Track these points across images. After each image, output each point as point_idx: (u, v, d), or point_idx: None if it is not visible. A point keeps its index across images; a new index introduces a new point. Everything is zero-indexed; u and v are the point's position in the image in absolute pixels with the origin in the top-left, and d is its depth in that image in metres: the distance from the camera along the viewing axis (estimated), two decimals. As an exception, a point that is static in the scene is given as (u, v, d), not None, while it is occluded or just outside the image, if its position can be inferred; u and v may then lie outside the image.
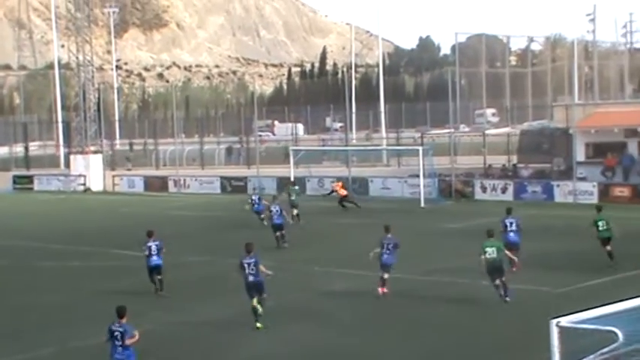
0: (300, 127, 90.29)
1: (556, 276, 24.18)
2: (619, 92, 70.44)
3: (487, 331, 18.91)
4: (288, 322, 20.03)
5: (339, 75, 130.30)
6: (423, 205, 42.43)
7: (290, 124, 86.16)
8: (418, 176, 44.41)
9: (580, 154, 43.51)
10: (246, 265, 19.27)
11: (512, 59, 67.72)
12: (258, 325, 19.15)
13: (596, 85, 65.94)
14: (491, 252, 20.92)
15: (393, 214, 39.80)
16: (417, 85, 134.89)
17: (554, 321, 10.93)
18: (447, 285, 23.70)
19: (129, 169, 65.10)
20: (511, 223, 24.38)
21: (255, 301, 19.19)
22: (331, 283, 24.36)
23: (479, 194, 43.94)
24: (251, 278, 19.18)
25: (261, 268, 19.11)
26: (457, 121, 53.54)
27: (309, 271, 26.29)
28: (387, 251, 22.29)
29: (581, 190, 41.36)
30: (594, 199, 40.35)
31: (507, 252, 22.13)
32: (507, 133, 51.13)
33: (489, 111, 75.45)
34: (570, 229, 32.94)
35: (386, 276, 22.21)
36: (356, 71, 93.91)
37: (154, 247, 22.93)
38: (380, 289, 22.19)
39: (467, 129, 62.60)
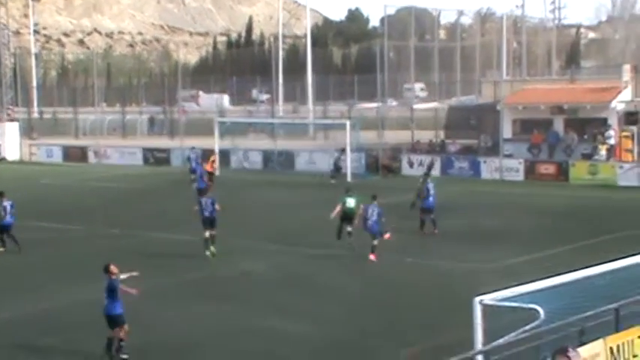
0: (226, 98, 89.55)
1: (484, 252, 24.64)
2: (546, 69, 71.71)
3: (411, 308, 19.11)
4: (205, 302, 19.90)
5: (266, 45, 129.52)
6: (349, 179, 42.60)
7: (215, 95, 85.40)
8: (345, 150, 44.56)
9: (507, 131, 44.21)
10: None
11: (442, 33, 68.13)
12: None
13: (524, 61, 66.96)
14: (351, 202, 25.16)
15: (318, 188, 39.93)
16: (346, 58, 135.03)
17: (478, 299, 11.09)
18: (368, 263, 23.90)
19: (34, 138, 63.65)
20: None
21: None
22: (252, 260, 24.30)
23: (406, 169, 44.34)
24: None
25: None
26: (385, 95, 53.72)
27: (231, 246, 26.16)
28: (373, 218, 23.68)
29: (507, 166, 42.09)
30: (520, 176, 41.16)
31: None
32: (435, 108, 51.53)
33: (418, 85, 75.83)
34: (497, 206, 33.60)
35: (375, 242, 23.56)
36: (283, 42, 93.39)
37: (8, 207, 24.62)
38: (371, 256, 23.57)
39: (395, 103, 62.84)
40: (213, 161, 42.73)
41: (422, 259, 23.92)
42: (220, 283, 21.70)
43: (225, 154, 46.91)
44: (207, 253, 24.32)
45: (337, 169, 42.26)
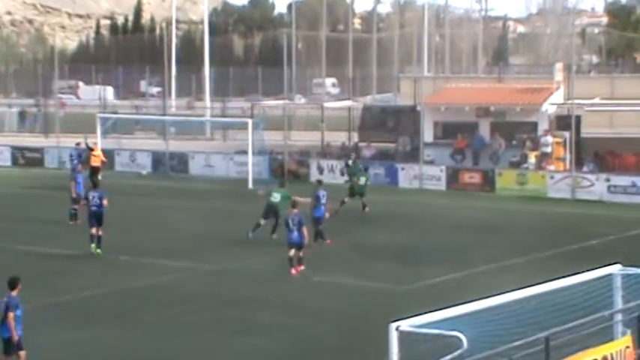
0: (110, 90, 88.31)
1: (401, 271, 24.97)
2: (472, 65, 73.24)
3: (321, 334, 19.21)
4: (86, 324, 19.59)
5: (158, 32, 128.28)
6: (251, 186, 42.55)
7: (98, 87, 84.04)
8: (246, 153, 44.50)
9: (428, 134, 44.86)
10: None
11: (357, 23, 68.96)
12: None
13: (448, 56, 68.26)
14: (276, 196, 28.43)
15: (216, 195, 39.77)
16: (248, 48, 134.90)
17: (394, 325, 11.20)
18: (283, 280, 24.00)
19: None
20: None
21: None
22: (139, 276, 24.05)
23: (315, 175, 44.51)
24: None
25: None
26: (292, 90, 53.95)
27: (113, 261, 25.81)
28: (294, 227, 24.37)
29: (428, 174, 42.71)
30: (442, 185, 41.82)
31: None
32: (349, 106, 51.97)
33: (329, 81, 76.55)
34: (416, 218, 34.04)
35: (300, 254, 24.44)
36: (177, 28, 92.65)
37: None
38: (292, 270, 24.35)
39: (303, 100, 63.19)
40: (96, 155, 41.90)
41: (331, 278, 24.05)
42: (103, 302, 21.38)
43: (109, 155, 46.19)
44: (92, 246, 25.56)
45: (350, 176, 37.79)
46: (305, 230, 24.75)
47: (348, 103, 53.15)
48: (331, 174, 44.70)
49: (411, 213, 35.29)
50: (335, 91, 78.27)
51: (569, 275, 13.84)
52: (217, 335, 19.00)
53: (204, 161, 47.72)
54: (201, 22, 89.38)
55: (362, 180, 34.92)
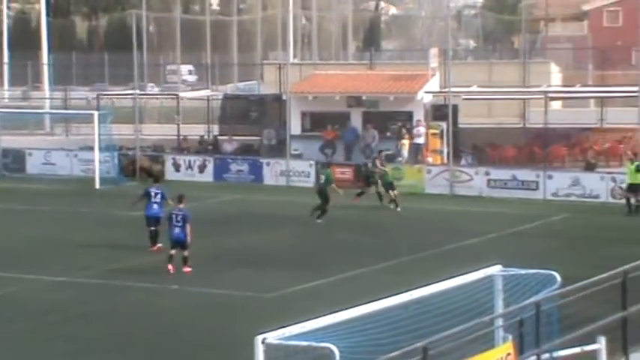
0: None
1: (267, 277, 25.12)
2: (342, 51, 73.99)
3: (177, 348, 19.15)
4: None
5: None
6: (98, 186, 41.95)
7: None
8: (92, 149, 43.79)
9: (295, 126, 45.09)
10: None
11: (214, 3, 68.73)
12: None
13: (315, 40, 68.82)
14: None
15: (58, 197, 39.04)
16: (92, 31, 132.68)
17: (259, 337, 11.26)
18: (131, 290, 23.87)
19: None
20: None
21: None
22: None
23: (171, 173, 44.25)
24: None
25: None
26: (144, 79, 53.35)
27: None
28: (177, 223, 24.82)
29: (295, 170, 42.97)
30: (311, 182, 42.10)
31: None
32: (207, 96, 51.75)
33: (185, 67, 76.00)
34: (282, 219, 34.21)
35: (185, 253, 25.14)
36: (9, 8, 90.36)
37: None
38: (169, 266, 25.07)
39: (156, 89, 62.63)
40: None
41: (190, 286, 24.02)
42: None
43: None
44: None
45: (368, 178, 38.20)
46: (189, 228, 25.10)
47: (206, 92, 52.93)
48: (189, 171, 44.53)
49: (277, 213, 35.44)
50: (192, 79, 77.79)
51: (447, 278, 14.18)
52: (59, 356, 18.67)
53: (43, 158, 46.76)
54: (38, 2, 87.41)
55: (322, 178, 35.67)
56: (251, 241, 30.07)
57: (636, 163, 35.10)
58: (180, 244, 25.22)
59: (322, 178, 35.18)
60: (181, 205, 25.55)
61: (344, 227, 32.59)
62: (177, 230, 25.15)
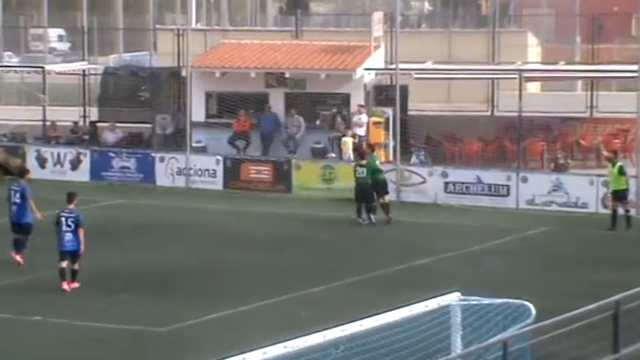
0: None
1: (159, 306, 25.10)
2: (259, 14, 73.87)
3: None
4: None
5: None
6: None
7: None
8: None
9: (198, 111, 44.75)
10: None
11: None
12: None
13: (225, 0, 68.61)
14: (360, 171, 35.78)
15: None
16: None
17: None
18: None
19: None
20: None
21: None
22: None
23: (35, 170, 43.61)
24: None
25: None
26: None
27: None
28: (68, 228, 25.33)
29: (198, 167, 42.70)
30: (218, 184, 41.98)
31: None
32: (83, 70, 51.29)
33: (54, 32, 75.15)
34: (179, 232, 34.06)
35: (76, 266, 25.73)
36: None
37: None
38: (64, 284, 25.53)
39: (15, 60, 61.99)
40: None
41: (57, 317, 23.89)
42: None
43: None
44: None
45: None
46: (82, 233, 25.50)
47: (81, 65, 52.42)
48: (58, 167, 44.07)
49: (172, 224, 35.26)
50: (63, 47, 76.97)
51: (390, 309, 14.23)
52: None
53: None
54: None
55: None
56: (139, 259, 29.93)
57: (618, 164, 35.22)
58: (71, 254, 25.57)
59: (361, 171, 36.33)
60: (71, 206, 25.85)
61: (261, 244, 32.55)
62: (68, 237, 25.45)
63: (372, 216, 35.65)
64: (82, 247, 25.70)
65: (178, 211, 37.61)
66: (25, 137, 47.85)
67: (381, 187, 36.37)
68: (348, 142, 42.44)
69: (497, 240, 33.28)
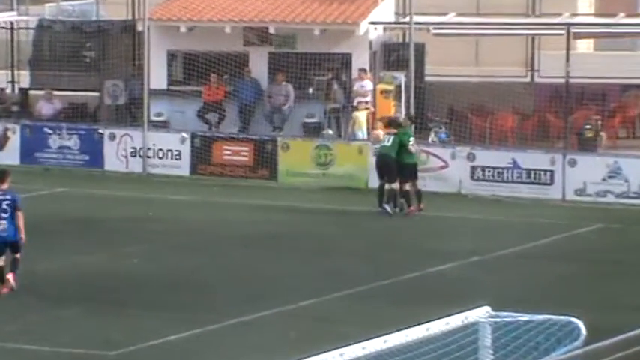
0: None
1: (108, 323, 25.09)
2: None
3: None
4: None
5: None
6: None
7: None
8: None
9: (158, 75, 44.83)
10: None
11: None
12: None
13: None
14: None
15: None
16: None
17: None
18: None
19: None
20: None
21: None
22: None
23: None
24: None
25: None
26: None
27: None
28: (3, 214, 25.60)
29: (158, 148, 42.69)
30: (185, 168, 42.00)
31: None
32: (11, 23, 51.24)
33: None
34: (132, 229, 34.10)
35: (17, 255, 26.21)
36: None
37: None
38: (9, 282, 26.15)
39: None
40: None
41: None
42: None
43: None
44: None
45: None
46: (21, 219, 25.82)
47: (9, 16, 52.42)
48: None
49: (126, 220, 35.44)
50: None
51: (404, 327, 14.32)
52: None
53: None
54: None
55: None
56: (83, 264, 30.07)
57: None
58: (11, 245, 25.87)
59: (386, 139, 37.09)
60: (4, 187, 26.09)
61: (240, 245, 32.64)
62: (3, 225, 25.70)
63: (387, 206, 36.12)
64: (23, 236, 25.91)
65: (133, 204, 37.75)
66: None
67: (408, 173, 36.68)
68: (360, 117, 42.45)
69: (538, 240, 33.37)
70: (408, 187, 36.34)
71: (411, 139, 37.05)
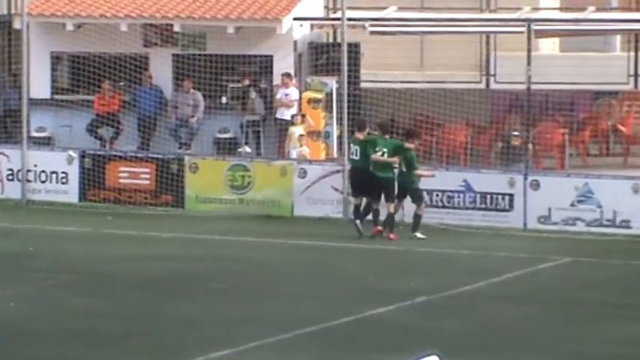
0: None
1: None
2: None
3: None
4: None
5: None
6: None
7: None
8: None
9: (41, 82, 44.83)
10: None
11: None
12: None
13: None
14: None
15: None
16: None
17: None
18: None
19: None
20: None
21: None
22: None
23: None
24: None
25: None
26: None
27: None
28: None
29: (42, 170, 42.59)
30: (73, 195, 41.94)
31: None
32: None
33: None
34: (18, 266, 34.03)
35: None
36: None
37: None
38: None
39: None
40: None
41: None
42: None
43: None
44: None
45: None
46: None
47: None
48: None
49: (0, 256, 35.23)
50: None
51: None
52: None
53: None
54: None
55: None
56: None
57: None
58: None
59: (353, 150, 38.51)
60: None
61: (140, 286, 32.59)
62: None
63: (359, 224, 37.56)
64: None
65: (10, 236, 37.65)
66: None
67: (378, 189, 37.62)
68: (296, 133, 42.50)
69: (494, 277, 33.55)
70: (376, 205, 37.59)
71: (384, 149, 37.77)
